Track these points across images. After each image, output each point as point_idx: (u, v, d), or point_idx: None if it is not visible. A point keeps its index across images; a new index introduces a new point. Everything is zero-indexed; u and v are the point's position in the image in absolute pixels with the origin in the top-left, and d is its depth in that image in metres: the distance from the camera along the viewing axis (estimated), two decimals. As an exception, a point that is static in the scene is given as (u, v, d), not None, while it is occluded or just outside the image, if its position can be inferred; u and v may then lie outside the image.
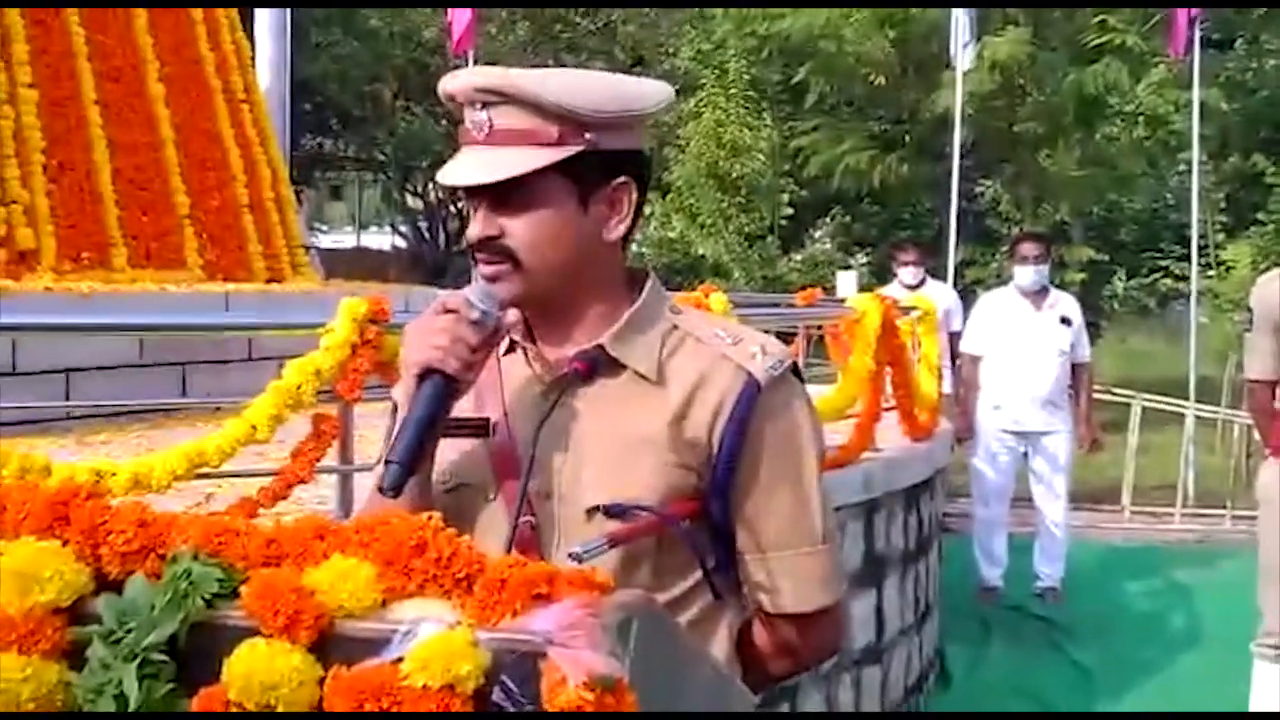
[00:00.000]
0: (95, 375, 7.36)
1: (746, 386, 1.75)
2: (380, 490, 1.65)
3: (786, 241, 19.83)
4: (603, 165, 1.75)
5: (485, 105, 1.72)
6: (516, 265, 1.73)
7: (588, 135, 1.72)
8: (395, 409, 1.88)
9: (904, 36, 16.98)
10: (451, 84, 1.77)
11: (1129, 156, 17.59)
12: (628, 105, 1.77)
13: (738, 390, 1.74)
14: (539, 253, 1.73)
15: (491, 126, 1.72)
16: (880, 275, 17.91)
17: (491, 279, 1.74)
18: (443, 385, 1.70)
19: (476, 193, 1.74)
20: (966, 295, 11.09)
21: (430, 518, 1.36)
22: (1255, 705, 5.37)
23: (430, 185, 28.55)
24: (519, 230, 1.73)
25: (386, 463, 1.67)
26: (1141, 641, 7.62)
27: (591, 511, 1.72)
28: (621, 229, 1.80)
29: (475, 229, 1.75)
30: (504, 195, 1.72)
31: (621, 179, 1.77)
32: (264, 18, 12.89)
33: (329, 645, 1.27)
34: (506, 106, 1.71)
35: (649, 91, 1.81)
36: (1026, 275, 8.08)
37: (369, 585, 1.30)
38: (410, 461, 1.67)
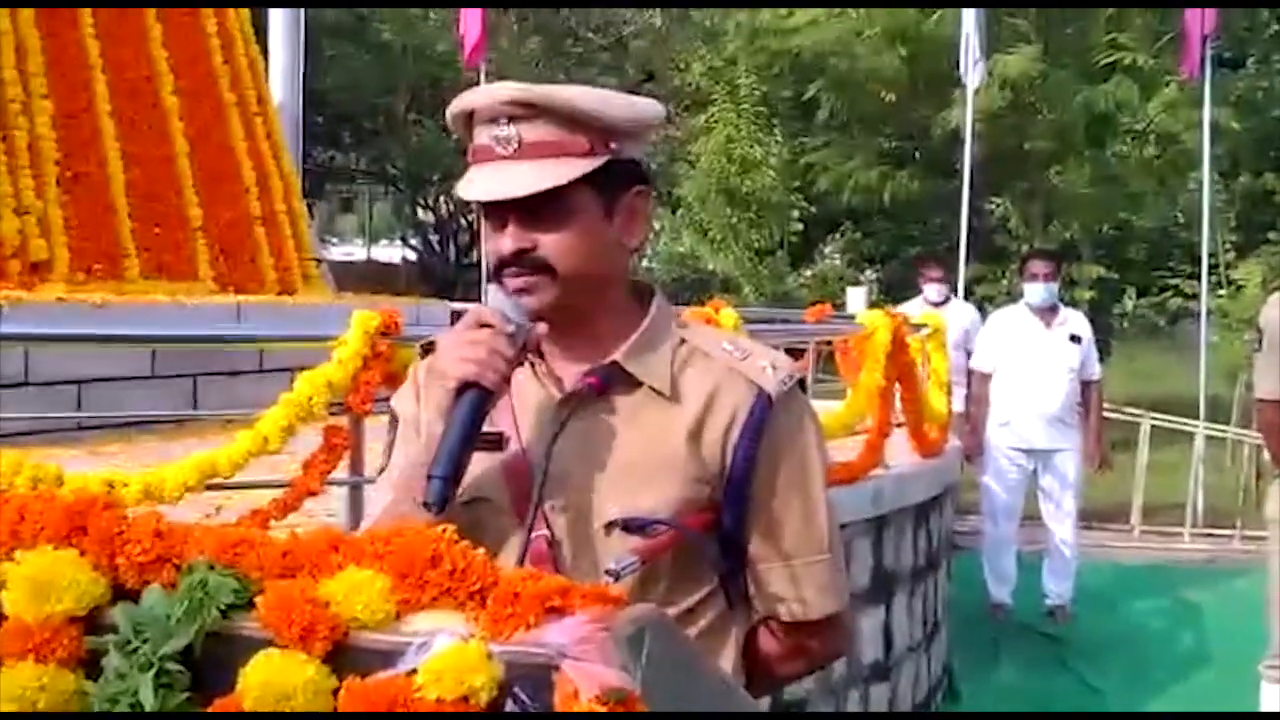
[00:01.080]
0: (107, 386, 7.38)
1: (759, 400, 1.78)
2: (425, 505, 1.65)
3: (796, 257, 19.81)
4: (622, 175, 1.78)
5: (513, 120, 1.73)
6: (551, 276, 1.75)
7: (612, 145, 1.75)
8: (395, 420, 1.89)
9: (915, 54, 17.00)
10: (471, 100, 1.78)
11: (1139, 175, 17.58)
12: (646, 116, 1.81)
13: (750, 404, 1.77)
14: (573, 262, 1.75)
15: (521, 141, 1.73)
16: (889, 291, 17.92)
17: (524, 290, 1.75)
18: (481, 399, 1.71)
19: (502, 207, 1.75)
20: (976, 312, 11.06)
21: (444, 530, 1.36)
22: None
23: (441, 199, 28.61)
24: (553, 242, 1.74)
25: (429, 478, 1.66)
26: (1150, 661, 7.61)
27: (610, 526, 1.74)
28: (640, 236, 1.83)
29: (508, 244, 1.75)
30: (535, 208, 1.73)
31: (639, 187, 1.81)
32: (277, 30, 12.93)
33: (343, 656, 1.27)
34: (538, 120, 1.72)
35: (649, 104, 1.86)
36: (1036, 293, 8.08)
37: (383, 597, 1.30)
38: (454, 475, 1.67)
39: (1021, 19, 16.96)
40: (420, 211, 30.49)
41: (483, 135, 1.75)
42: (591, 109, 1.73)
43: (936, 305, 9.61)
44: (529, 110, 1.72)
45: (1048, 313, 8.11)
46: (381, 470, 1.89)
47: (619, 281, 1.83)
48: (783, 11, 17.97)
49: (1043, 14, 17.11)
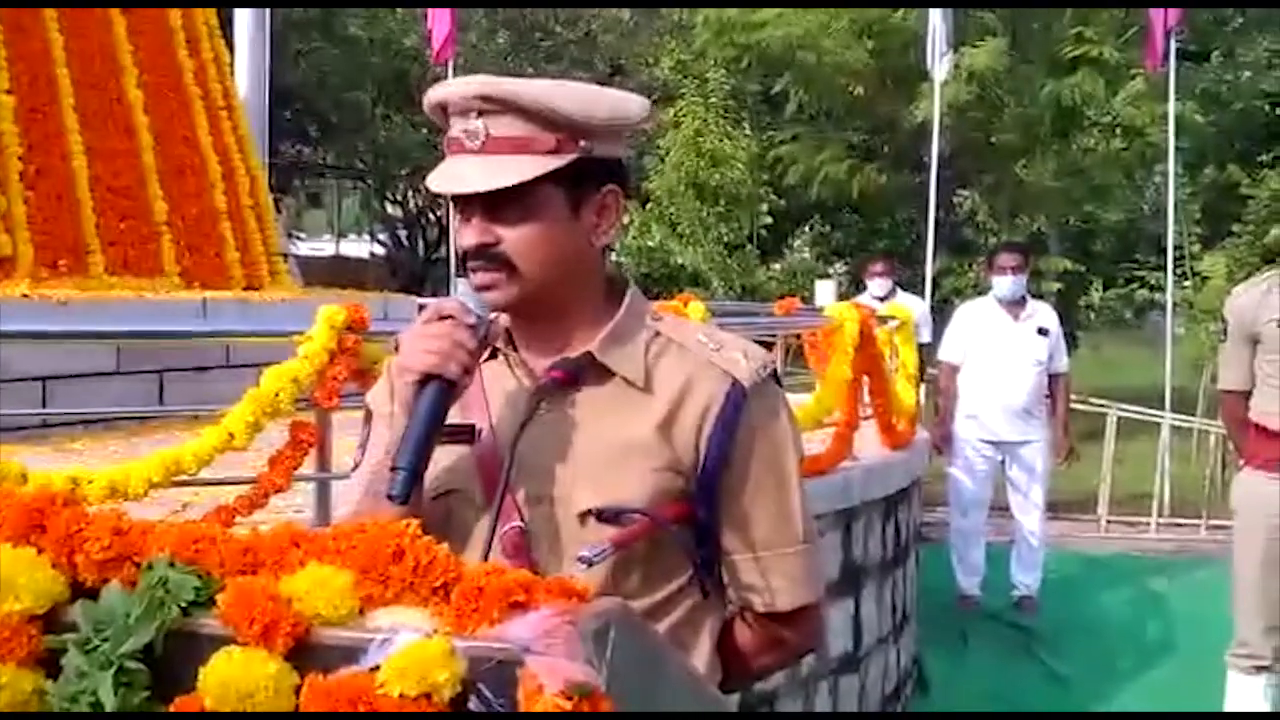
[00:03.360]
0: (72, 382, 7.32)
1: (732, 391, 1.78)
2: (390, 498, 1.65)
3: (765, 251, 19.84)
4: (594, 173, 1.77)
5: (481, 114, 1.73)
6: (511, 273, 1.75)
7: (582, 143, 1.74)
8: (369, 416, 1.89)
9: (882, 47, 17.02)
10: (443, 92, 1.78)
11: (1106, 168, 17.65)
12: (619, 114, 1.79)
13: (724, 395, 1.78)
14: (534, 260, 1.75)
15: (488, 135, 1.72)
16: (858, 285, 17.95)
17: (485, 288, 1.76)
18: (444, 391, 1.71)
19: (469, 201, 1.75)
20: (944, 305, 11.14)
21: (408, 525, 1.36)
22: (1230, 715, 5.40)
23: (410, 193, 28.54)
24: (515, 238, 1.74)
25: (393, 469, 1.67)
26: (1117, 650, 7.65)
27: (584, 515, 1.74)
28: (610, 235, 1.83)
29: (470, 237, 1.75)
30: (499, 203, 1.73)
31: (610, 186, 1.80)
32: (243, 25, 12.87)
33: (305, 653, 1.27)
34: (505, 115, 1.72)
35: (635, 101, 1.85)
36: (1004, 286, 8.11)
37: (346, 593, 1.30)
38: (418, 467, 1.68)
39: (988, 13, 17.01)
40: (388, 206, 30.41)
41: (455, 127, 1.76)
42: (558, 106, 1.72)
43: (881, 299, 9.66)
44: (496, 105, 1.72)
45: (1015, 306, 8.14)
46: (356, 466, 1.88)
47: (587, 278, 1.83)
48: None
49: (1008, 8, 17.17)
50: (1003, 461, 8.31)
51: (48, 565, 1.38)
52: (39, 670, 1.34)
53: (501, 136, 1.72)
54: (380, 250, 31.53)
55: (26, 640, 1.34)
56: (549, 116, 1.72)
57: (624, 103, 1.82)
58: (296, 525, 1.42)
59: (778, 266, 21.29)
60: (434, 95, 1.79)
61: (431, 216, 28.23)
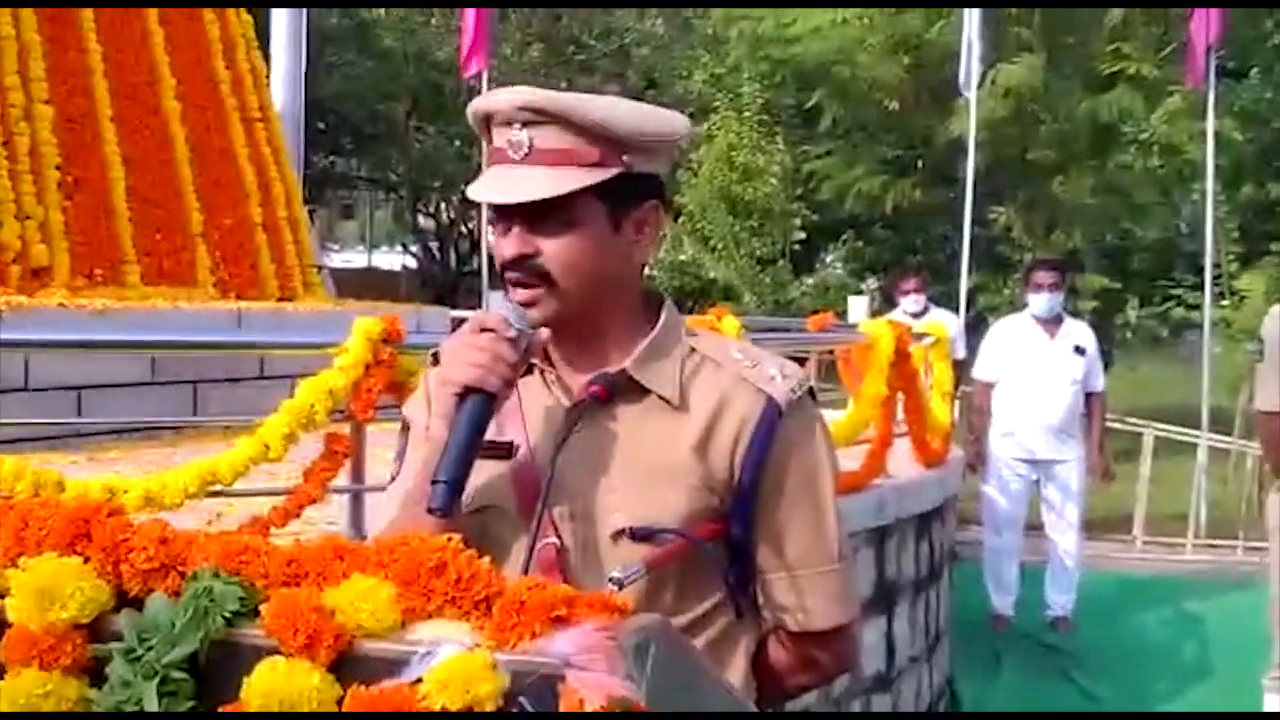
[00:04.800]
0: (107, 392, 7.36)
1: (768, 409, 1.77)
2: (430, 511, 1.64)
3: (798, 266, 19.82)
4: (635, 188, 1.77)
5: (526, 125, 1.73)
6: (550, 286, 1.74)
7: (624, 158, 1.74)
8: (406, 427, 1.89)
9: (918, 62, 17.02)
10: (489, 102, 1.78)
11: (1142, 185, 17.58)
12: (663, 130, 1.79)
13: (759, 413, 1.77)
14: (573, 273, 1.74)
15: (532, 146, 1.72)
16: (890, 300, 17.90)
17: (526, 304, 1.75)
18: (485, 404, 1.71)
19: (510, 212, 1.75)
20: (978, 322, 11.09)
21: (450, 539, 1.36)
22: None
23: (442, 205, 28.65)
24: (555, 250, 1.74)
25: (434, 483, 1.66)
26: (1152, 672, 7.59)
27: (618, 534, 1.74)
28: (649, 251, 1.82)
29: (510, 248, 1.75)
30: (540, 215, 1.73)
31: (651, 202, 1.80)
32: (279, 37, 12.94)
33: (348, 665, 1.27)
34: (550, 127, 1.72)
35: (678, 119, 1.84)
36: (1040, 303, 8.07)
37: (388, 605, 1.30)
38: (459, 480, 1.67)
39: (1024, 28, 16.97)
40: (421, 218, 30.51)
41: (498, 138, 1.76)
42: (604, 120, 1.72)
43: (915, 316, 9.62)
44: (542, 116, 1.72)
45: (1052, 323, 8.09)
46: (393, 477, 1.88)
47: (626, 293, 1.82)
48: (785, 20, 18.00)
49: (1046, 23, 17.12)
50: (1038, 480, 8.26)
51: (93, 574, 1.38)
52: (84, 679, 1.35)
53: (546, 148, 1.72)
54: (412, 262, 31.63)
55: (72, 648, 1.35)
56: (595, 130, 1.72)
57: (668, 119, 1.82)
58: (339, 538, 1.42)
59: (810, 281, 21.27)
60: (479, 105, 1.79)
61: (463, 229, 28.33)
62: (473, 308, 12.59)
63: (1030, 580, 8.36)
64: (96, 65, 9.48)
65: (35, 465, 4.04)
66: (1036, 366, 8.02)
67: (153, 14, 10.14)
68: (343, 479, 4.59)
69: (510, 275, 1.76)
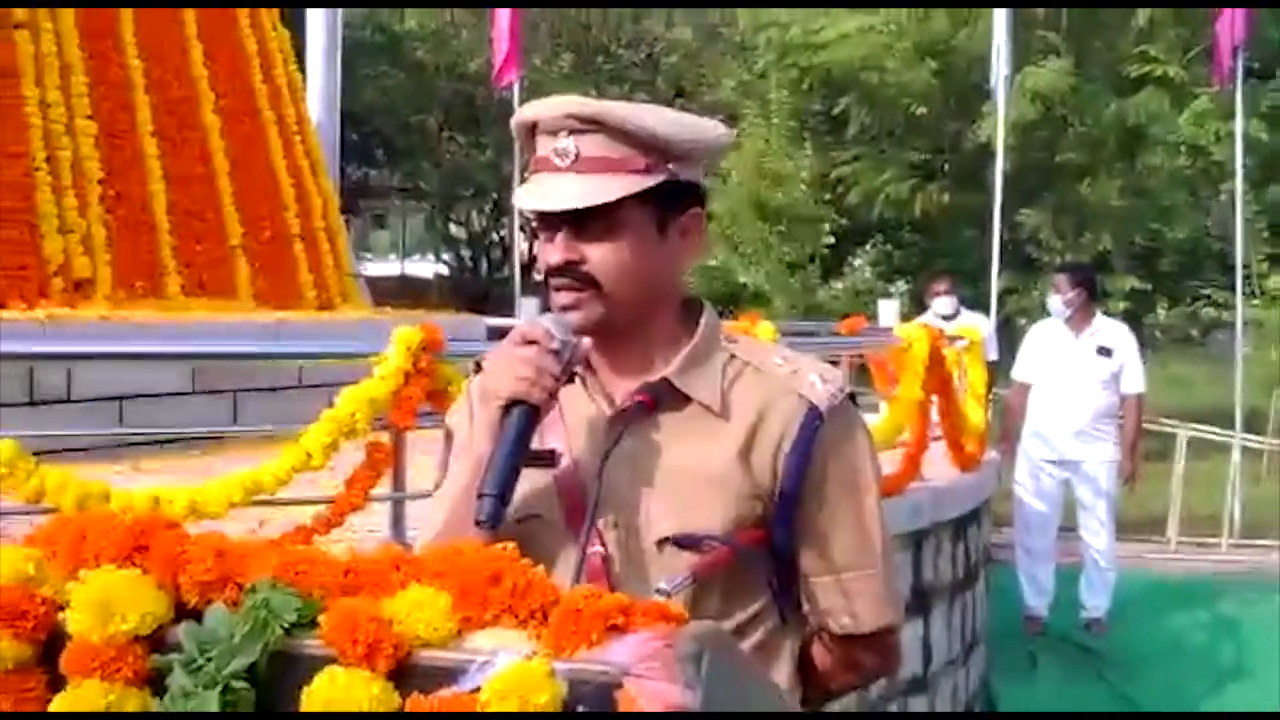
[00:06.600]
0: (148, 402, 7.42)
1: (809, 415, 1.78)
2: (478, 523, 1.66)
3: (827, 270, 19.79)
4: (679, 195, 1.79)
5: (573, 133, 1.74)
6: (596, 291, 1.76)
7: (670, 165, 1.76)
8: (449, 436, 1.90)
9: (945, 67, 16.99)
10: (535, 111, 1.79)
11: (1171, 186, 17.49)
12: (707, 138, 1.81)
13: (800, 419, 1.78)
14: (619, 279, 1.76)
15: (579, 154, 1.74)
16: (920, 304, 17.86)
17: (570, 307, 1.77)
18: (528, 415, 1.72)
19: (556, 219, 1.76)
20: (1008, 324, 11.07)
21: (505, 548, 1.38)
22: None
23: (473, 214, 28.69)
24: (601, 256, 1.75)
25: (480, 496, 1.68)
26: (1187, 673, 7.56)
27: (662, 543, 1.75)
28: (693, 257, 1.84)
29: (556, 255, 1.76)
30: (586, 222, 1.74)
31: (694, 209, 1.82)
32: (315, 50, 13.03)
33: (406, 674, 1.29)
34: (596, 135, 1.74)
35: (720, 126, 1.87)
36: (1054, 305, 8.12)
37: (446, 615, 1.32)
38: (506, 493, 1.68)
39: (1051, 31, 16.92)
40: (453, 227, 30.57)
41: (543, 146, 1.77)
42: (650, 128, 1.74)
43: (946, 319, 9.61)
44: (588, 124, 1.74)
45: (1079, 324, 8.06)
46: (436, 486, 1.90)
47: (668, 299, 1.84)
48: (813, 26, 17.98)
49: (1073, 26, 17.06)
50: (1069, 481, 8.23)
51: (153, 586, 1.40)
52: (145, 690, 1.36)
53: (592, 156, 1.73)
54: (444, 270, 31.68)
55: (133, 660, 1.36)
56: (641, 138, 1.73)
57: (711, 127, 1.84)
58: (395, 547, 1.44)
59: (839, 285, 21.23)
60: (525, 114, 1.81)
61: (495, 237, 28.39)
62: (506, 315, 12.62)
63: (1065, 582, 8.33)
64: (137, 81, 9.55)
65: (80, 476, 4.08)
66: (1062, 367, 8.01)
67: (192, 29, 10.21)
68: (384, 487, 4.62)
69: (555, 281, 1.77)
